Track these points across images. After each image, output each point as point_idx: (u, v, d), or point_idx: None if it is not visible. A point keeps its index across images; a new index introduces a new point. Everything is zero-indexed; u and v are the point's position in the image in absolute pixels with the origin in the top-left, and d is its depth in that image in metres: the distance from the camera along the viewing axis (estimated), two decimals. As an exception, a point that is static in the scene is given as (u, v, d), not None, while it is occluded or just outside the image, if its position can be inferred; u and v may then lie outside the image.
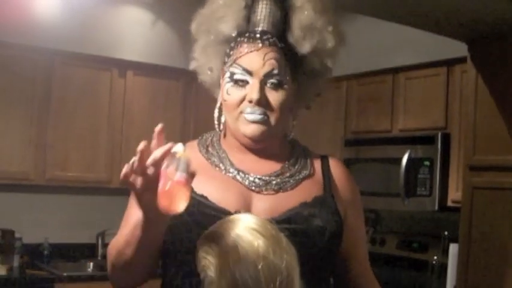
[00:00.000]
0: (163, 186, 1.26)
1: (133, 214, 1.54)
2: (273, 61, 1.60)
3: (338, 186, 1.71)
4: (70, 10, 4.59)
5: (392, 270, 4.42)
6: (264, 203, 1.58)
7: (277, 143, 1.69)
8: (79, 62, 4.78)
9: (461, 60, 3.80)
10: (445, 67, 4.17)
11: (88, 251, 5.17)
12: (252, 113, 1.59)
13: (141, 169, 1.32)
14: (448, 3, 3.02)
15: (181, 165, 1.27)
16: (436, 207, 4.09)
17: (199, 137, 1.73)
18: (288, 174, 1.65)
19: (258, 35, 1.63)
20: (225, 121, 1.67)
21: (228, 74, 1.62)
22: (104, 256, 5.02)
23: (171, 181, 1.25)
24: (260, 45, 1.61)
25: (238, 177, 1.61)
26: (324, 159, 1.75)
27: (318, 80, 1.74)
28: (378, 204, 4.41)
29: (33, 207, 4.95)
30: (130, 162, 1.33)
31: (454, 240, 3.83)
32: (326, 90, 1.84)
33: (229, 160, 1.64)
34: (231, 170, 1.62)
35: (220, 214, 1.50)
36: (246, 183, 1.60)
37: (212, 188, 1.57)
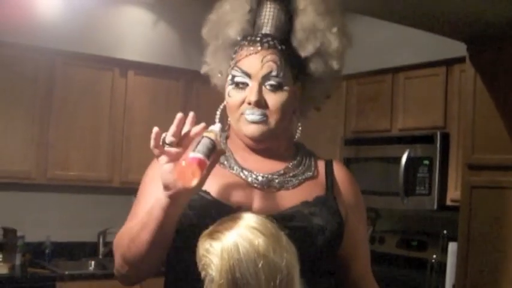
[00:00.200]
0: (180, 161, 1.39)
1: (144, 207, 1.60)
2: (271, 63, 1.62)
3: (341, 189, 1.72)
4: (71, 10, 4.59)
5: (392, 269, 4.42)
6: (265, 200, 1.61)
7: (282, 144, 1.72)
8: (80, 62, 4.77)
9: (460, 60, 3.81)
10: (444, 67, 4.18)
11: (89, 249, 5.16)
12: (252, 114, 1.61)
13: (174, 137, 1.44)
14: (447, 3, 3.03)
15: (200, 146, 1.41)
16: (435, 206, 4.09)
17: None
18: (291, 174, 1.67)
19: (258, 38, 1.65)
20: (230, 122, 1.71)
21: (229, 77, 1.66)
22: (105, 255, 5.04)
23: (185, 159, 1.39)
24: (259, 48, 1.63)
25: (241, 174, 1.64)
26: (328, 163, 1.76)
27: (324, 81, 1.75)
28: (377, 203, 4.40)
29: (35, 206, 4.94)
30: (163, 135, 1.45)
31: (453, 238, 3.84)
32: (335, 91, 1.85)
33: (234, 158, 1.67)
34: (235, 167, 1.65)
35: (222, 209, 1.52)
36: (249, 180, 1.63)
37: (215, 184, 1.59)
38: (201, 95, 5.15)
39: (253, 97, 1.60)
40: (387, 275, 4.22)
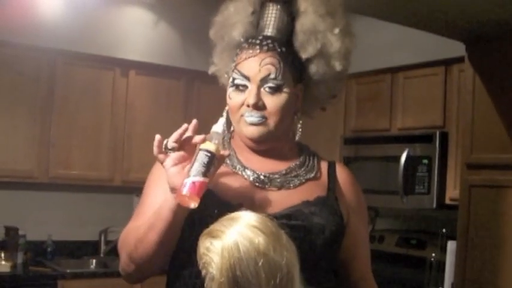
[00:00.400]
0: (180, 189, 1.46)
1: (150, 206, 1.62)
2: (269, 66, 1.63)
3: (343, 190, 1.74)
4: (73, 10, 4.58)
5: (391, 267, 4.40)
6: (266, 198, 1.63)
7: (285, 145, 1.74)
8: (82, 62, 4.77)
9: (459, 60, 3.79)
10: (443, 67, 4.18)
11: (91, 248, 5.16)
12: (250, 116, 1.63)
13: (178, 142, 1.52)
14: (446, 4, 3.03)
15: (197, 165, 1.47)
16: (434, 205, 4.10)
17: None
18: (293, 174, 1.69)
19: (257, 41, 1.67)
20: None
21: (230, 79, 1.68)
22: (107, 253, 5.05)
23: (185, 186, 1.44)
24: (258, 51, 1.65)
25: (243, 173, 1.66)
26: (331, 164, 1.78)
27: (328, 82, 1.75)
28: (376, 202, 4.39)
29: (36, 204, 4.95)
30: (164, 141, 1.53)
31: (452, 237, 3.83)
32: (341, 92, 1.87)
33: (237, 158, 1.69)
34: (238, 166, 1.67)
35: (223, 207, 1.52)
36: (251, 179, 1.65)
37: (218, 182, 1.61)
38: (201, 95, 5.16)
39: (251, 100, 1.62)
40: (387, 273, 4.22)
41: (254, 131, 1.65)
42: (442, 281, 3.97)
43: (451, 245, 3.83)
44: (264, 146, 1.69)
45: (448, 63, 4.13)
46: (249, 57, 1.66)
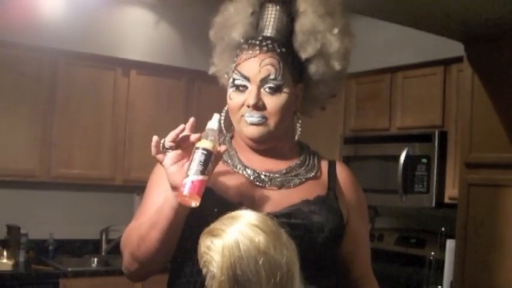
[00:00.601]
0: (180, 190, 1.47)
1: (152, 204, 1.63)
2: (269, 67, 1.64)
3: (343, 189, 1.75)
4: (74, 11, 4.58)
5: (391, 266, 4.42)
6: (266, 197, 1.63)
7: (285, 144, 1.74)
8: (83, 62, 4.76)
9: (458, 59, 3.80)
10: (442, 66, 4.18)
11: (92, 246, 5.17)
12: (251, 117, 1.64)
13: (175, 142, 1.52)
14: (445, 4, 3.02)
15: (194, 164, 1.47)
16: (433, 204, 4.09)
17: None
18: (293, 174, 1.70)
19: (257, 42, 1.67)
20: None
21: (230, 80, 1.69)
22: (108, 252, 5.05)
23: (185, 186, 1.45)
24: (258, 51, 1.65)
25: (244, 172, 1.67)
26: (331, 163, 1.79)
27: (328, 81, 1.76)
28: (376, 201, 4.39)
29: (38, 203, 4.95)
30: (161, 141, 1.54)
31: (451, 236, 3.83)
32: (340, 91, 1.87)
33: (237, 157, 1.70)
34: (239, 165, 1.68)
35: (223, 206, 1.53)
36: (251, 178, 1.66)
37: (218, 181, 1.62)
38: (202, 94, 5.16)
39: (251, 100, 1.63)
40: (386, 272, 4.22)
41: (254, 131, 1.66)
42: (441, 279, 3.97)
43: (450, 244, 3.83)
44: (264, 145, 1.70)
45: (447, 63, 4.13)
46: (249, 58, 1.66)
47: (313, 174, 1.72)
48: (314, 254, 1.59)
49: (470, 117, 3.58)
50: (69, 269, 4.48)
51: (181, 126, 1.52)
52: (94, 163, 4.87)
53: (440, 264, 4.04)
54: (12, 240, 4.57)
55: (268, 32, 1.71)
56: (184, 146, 1.52)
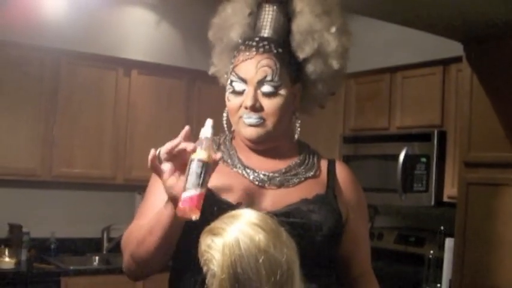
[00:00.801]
0: (179, 205, 1.45)
1: (152, 204, 1.64)
2: (265, 68, 1.64)
3: (342, 188, 1.75)
4: (76, 11, 4.59)
5: (390, 264, 4.41)
6: (266, 197, 1.64)
7: (285, 144, 1.74)
8: (85, 62, 4.77)
9: (457, 59, 3.80)
10: (441, 66, 4.17)
11: (94, 245, 5.17)
12: (249, 118, 1.65)
13: (169, 155, 1.50)
14: (444, 4, 3.03)
15: (191, 177, 1.44)
16: (433, 203, 4.09)
17: (217, 136, 1.77)
18: (292, 173, 1.70)
19: (254, 43, 1.67)
20: None
21: (228, 82, 1.69)
22: (109, 250, 5.04)
23: (184, 201, 1.43)
24: (254, 53, 1.65)
25: (244, 172, 1.67)
26: (331, 162, 1.79)
27: (326, 80, 1.75)
28: (375, 200, 4.38)
29: (40, 202, 4.95)
30: (157, 151, 1.51)
31: (450, 234, 3.84)
32: (339, 88, 1.86)
33: (237, 157, 1.71)
34: (238, 165, 1.69)
35: (223, 205, 1.55)
36: (251, 178, 1.66)
37: (218, 181, 1.61)
38: (203, 94, 5.16)
39: (248, 102, 1.64)
40: (385, 270, 4.17)
41: (253, 132, 1.67)
42: (440, 277, 3.97)
43: (449, 242, 3.84)
44: (262, 146, 1.70)
45: (446, 63, 4.13)
46: (245, 60, 1.66)
47: (312, 173, 1.72)
48: (313, 252, 1.59)
49: (469, 117, 3.59)
50: (71, 268, 4.48)
51: (177, 140, 1.49)
52: (95, 162, 4.87)
53: (439, 263, 4.03)
54: (14, 239, 4.57)
55: (265, 32, 1.71)
56: (181, 157, 1.50)
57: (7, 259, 4.33)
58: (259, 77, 1.64)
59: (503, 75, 3.43)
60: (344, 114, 4.87)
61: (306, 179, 1.70)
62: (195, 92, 5.22)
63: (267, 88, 1.65)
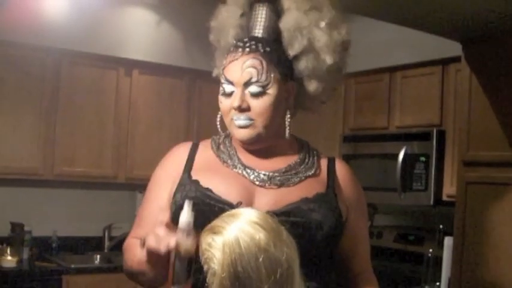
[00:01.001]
0: None
1: (149, 214, 1.67)
2: (250, 69, 1.63)
3: (342, 187, 1.74)
4: (78, 11, 4.59)
5: (389, 263, 4.43)
6: (266, 196, 1.63)
7: (283, 143, 1.72)
8: (86, 61, 4.77)
9: (456, 59, 3.81)
10: (440, 66, 4.18)
11: (95, 243, 5.18)
12: (238, 119, 1.65)
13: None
14: (443, 4, 3.03)
15: (176, 275, 1.40)
16: (432, 202, 4.10)
17: (216, 136, 1.79)
18: (293, 172, 1.69)
19: (241, 44, 1.67)
20: None
21: (220, 84, 1.69)
22: (111, 249, 5.04)
23: None
24: (240, 53, 1.65)
25: (244, 172, 1.66)
26: (331, 161, 1.78)
27: (322, 76, 1.72)
28: (375, 199, 4.39)
29: (42, 201, 4.96)
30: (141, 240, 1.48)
31: (449, 233, 3.84)
32: (339, 84, 1.84)
33: (237, 157, 1.70)
34: (238, 165, 1.68)
35: (223, 206, 1.55)
36: (251, 178, 1.65)
37: (218, 182, 1.62)
38: (203, 93, 5.17)
39: (235, 103, 1.63)
40: (385, 268, 4.24)
41: (243, 134, 1.66)
42: (439, 276, 3.96)
43: (448, 241, 3.83)
44: (255, 146, 1.70)
45: (445, 62, 4.14)
46: (232, 61, 1.66)
47: (312, 172, 1.71)
48: (313, 251, 1.60)
49: (467, 116, 3.59)
50: (72, 266, 4.49)
51: (160, 237, 1.42)
52: (97, 161, 4.88)
53: (438, 261, 4.02)
54: (16, 238, 4.58)
55: (256, 32, 1.71)
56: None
57: (9, 258, 4.34)
58: (244, 79, 1.64)
59: (502, 74, 3.43)
60: (344, 114, 4.87)
61: (306, 177, 1.69)
62: (195, 92, 5.23)
63: (254, 88, 1.63)
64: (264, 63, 1.64)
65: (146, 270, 1.51)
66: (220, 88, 1.69)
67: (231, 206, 1.56)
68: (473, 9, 3.08)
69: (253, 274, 1.34)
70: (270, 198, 1.63)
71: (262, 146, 1.70)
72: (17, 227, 4.63)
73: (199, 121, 5.22)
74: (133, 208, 5.09)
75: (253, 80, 1.63)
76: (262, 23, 1.72)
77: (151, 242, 1.41)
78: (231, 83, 1.66)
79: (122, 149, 4.99)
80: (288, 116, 1.71)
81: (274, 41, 1.70)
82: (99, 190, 5.24)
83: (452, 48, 3.74)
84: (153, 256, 1.43)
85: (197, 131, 5.17)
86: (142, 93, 5.07)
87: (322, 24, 1.69)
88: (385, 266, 4.37)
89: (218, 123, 1.74)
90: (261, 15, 1.72)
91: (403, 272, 4.38)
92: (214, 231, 1.39)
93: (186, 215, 1.41)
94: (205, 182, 1.63)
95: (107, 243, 5.19)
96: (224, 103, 1.68)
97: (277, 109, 1.67)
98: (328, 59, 1.70)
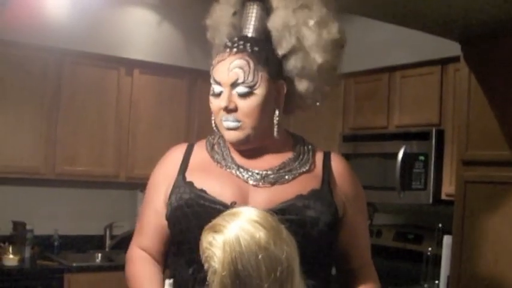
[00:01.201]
0: None
1: (149, 222, 1.71)
2: (236, 70, 1.63)
3: (338, 181, 1.73)
4: (79, 11, 4.60)
5: (389, 261, 4.41)
6: (260, 195, 1.63)
7: (276, 141, 1.72)
8: (88, 61, 4.79)
9: (455, 59, 3.80)
10: (439, 66, 4.17)
11: (96, 242, 5.19)
12: (226, 121, 1.65)
13: None
14: (442, 4, 3.02)
15: None
16: (431, 201, 4.09)
17: (211, 136, 1.79)
18: (286, 169, 1.68)
19: (229, 44, 1.67)
20: None
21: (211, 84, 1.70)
22: (112, 247, 5.05)
23: None
24: (227, 54, 1.65)
25: (237, 172, 1.67)
26: (326, 155, 1.77)
27: (313, 75, 1.71)
28: (374, 198, 4.38)
29: (43, 200, 4.98)
30: None
31: (448, 232, 3.82)
32: (332, 83, 1.80)
33: (231, 157, 1.71)
34: (232, 166, 1.68)
35: (217, 206, 1.57)
36: (245, 177, 1.66)
37: (212, 182, 1.63)
38: (204, 93, 5.08)
39: (222, 103, 1.65)
40: (384, 267, 4.09)
41: (232, 136, 1.67)
42: (438, 274, 3.97)
43: (447, 240, 3.83)
44: (246, 147, 1.70)
45: (444, 62, 4.13)
46: (220, 61, 1.66)
47: (307, 168, 1.71)
48: (311, 248, 1.59)
49: (466, 116, 3.58)
50: (74, 264, 4.50)
51: None
52: (98, 160, 4.89)
53: (437, 260, 4.03)
54: (18, 236, 4.59)
55: (246, 31, 1.71)
56: None
57: (11, 256, 4.35)
58: (231, 79, 1.63)
59: (500, 74, 3.42)
60: (343, 113, 4.86)
61: (300, 174, 1.69)
62: (196, 92, 5.23)
63: (241, 89, 1.63)
64: (251, 63, 1.64)
65: None
66: (211, 88, 1.70)
67: (225, 207, 1.56)
68: (472, 9, 3.08)
69: (254, 272, 1.35)
70: (264, 196, 1.63)
71: (252, 146, 1.70)
72: (18, 226, 4.64)
73: (199, 121, 5.22)
74: (134, 207, 5.10)
75: (240, 80, 1.63)
76: (252, 22, 1.72)
77: None
78: (218, 83, 1.66)
79: (123, 148, 5.00)
80: (277, 115, 1.70)
81: (264, 40, 1.70)
82: (101, 189, 5.25)
83: (451, 48, 3.73)
84: None
85: (198, 130, 5.18)
86: (143, 92, 5.07)
87: (311, 22, 1.68)
88: (384, 264, 4.25)
89: (213, 123, 1.75)
90: (252, 14, 1.72)
91: (403, 271, 4.38)
92: (215, 230, 1.40)
93: None
94: (199, 183, 1.64)
95: (108, 242, 5.19)
96: (214, 103, 1.69)
97: (265, 109, 1.66)
98: (318, 58, 1.69)
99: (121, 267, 1.81)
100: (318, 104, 1.81)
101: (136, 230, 1.78)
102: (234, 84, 1.63)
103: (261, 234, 1.37)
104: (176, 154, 1.77)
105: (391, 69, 4.52)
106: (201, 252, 1.42)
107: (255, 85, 1.63)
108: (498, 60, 3.44)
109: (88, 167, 4.85)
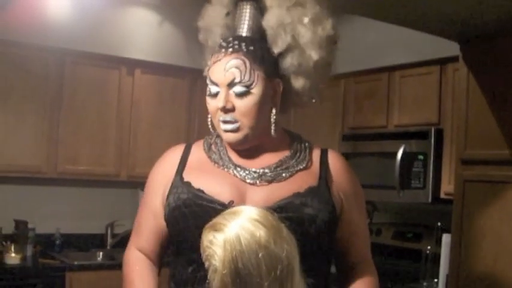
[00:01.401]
0: None
1: (146, 222, 1.73)
2: (233, 70, 1.62)
3: (335, 178, 1.72)
4: (80, 11, 4.61)
5: (388, 260, 4.43)
6: (257, 193, 1.63)
7: (273, 139, 1.72)
8: (89, 61, 4.80)
9: (454, 59, 3.78)
10: (438, 66, 4.17)
11: (98, 241, 5.20)
12: (224, 122, 1.65)
13: None
14: (441, 4, 3.02)
15: None
16: (430, 199, 4.09)
17: (209, 136, 1.80)
18: (283, 167, 1.69)
19: (224, 44, 1.67)
20: None
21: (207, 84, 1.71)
22: (113, 246, 5.06)
23: None
24: (223, 54, 1.65)
25: (235, 171, 1.68)
26: (324, 152, 1.77)
27: (309, 73, 1.71)
28: (374, 196, 4.38)
29: (45, 199, 4.99)
30: None
31: (447, 230, 3.81)
32: (326, 79, 1.80)
33: (228, 156, 1.71)
34: (229, 165, 1.69)
35: (215, 206, 1.58)
36: (242, 176, 1.66)
37: (209, 182, 1.64)
38: (205, 93, 5.18)
39: (219, 103, 1.64)
40: (383, 265, 4.22)
41: (230, 138, 1.67)
42: (437, 272, 3.97)
43: (446, 238, 3.83)
44: (244, 146, 1.70)
45: (443, 62, 4.13)
46: (216, 62, 1.66)
47: (304, 165, 1.70)
48: (309, 245, 1.59)
49: (465, 115, 3.58)
50: (75, 263, 4.52)
51: None
52: (99, 160, 4.90)
53: (436, 258, 4.03)
54: (19, 235, 4.60)
55: (240, 31, 1.71)
56: None
57: (13, 255, 4.37)
58: (228, 79, 1.63)
59: (499, 74, 3.42)
60: (343, 113, 4.86)
61: (297, 171, 1.69)
62: (197, 91, 5.22)
63: (238, 89, 1.63)
64: (247, 62, 1.64)
65: None
66: (207, 89, 1.70)
67: (223, 206, 1.57)
68: (470, 9, 3.08)
69: (254, 271, 1.36)
70: (261, 195, 1.63)
71: (250, 145, 1.71)
72: (20, 225, 4.65)
73: (200, 120, 5.22)
74: (135, 205, 5.10)
75: (237, 80, 1.63)
76: (246, 22, 1.72)
77: None
78: (215, 84, 1.66)
79: (124, 147, 5.02)
80: (274, 113, 1.70)
81: (259, 39, 1.70)
82: (102, 188, 5.26)
83: (450, 48, 3.73)
84: None
85: (198, 130, 5.19)
86: (144, 92, 5.09)
87: (306, 20, 1.69)
88: (383, 262, 4.36)
89: (209, 124, 1.75)
90: (245, 13, 1.73)
91: (402, 269, 4.38)
92: (216, 229, 1.41)
93: None
94: (197, 183, 1.64)
95: (109, 241, 5.21)
96: (211, 104, 1.69)
97: (262, 108, 1.66)
98: (314, 55, 1.69)
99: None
100: (313, 100, 1.80)
101: (134, 231, 1.80)
102: (230, 84, 1.63)
103: (261, 232, 1.37)
104: (174, 155, 1.78)
105: (391, 69, 4.51)
106: (201, 251, 1.43)
107: (251, 84, 1.63)
108: (497, 60, 3.43)
109: (89, 166, 4.87)
